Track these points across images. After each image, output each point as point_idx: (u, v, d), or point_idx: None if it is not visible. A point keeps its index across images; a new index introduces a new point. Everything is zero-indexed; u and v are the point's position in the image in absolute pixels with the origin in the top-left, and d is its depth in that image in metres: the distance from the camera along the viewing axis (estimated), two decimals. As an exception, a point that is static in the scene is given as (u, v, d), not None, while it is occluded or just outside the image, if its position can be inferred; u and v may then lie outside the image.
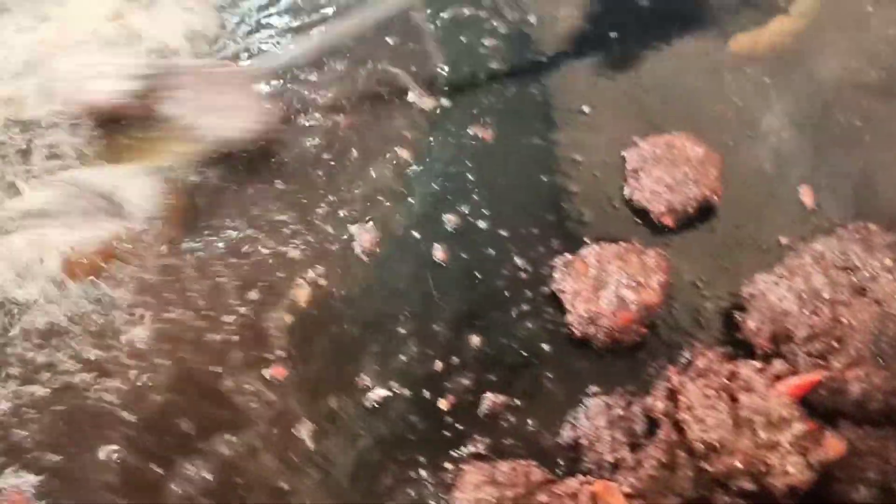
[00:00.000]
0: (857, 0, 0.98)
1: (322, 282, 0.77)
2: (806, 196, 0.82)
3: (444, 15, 0.95)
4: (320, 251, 0.79)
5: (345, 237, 0.80)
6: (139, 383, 0.71)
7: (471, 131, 0.87)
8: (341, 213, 0.81)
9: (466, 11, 0.95)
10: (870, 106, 0.89)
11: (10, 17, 0.95)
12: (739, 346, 0.71)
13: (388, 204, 0.82)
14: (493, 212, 0.81)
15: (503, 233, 0.80)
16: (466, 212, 0.81)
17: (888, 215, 0.79)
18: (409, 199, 0.82)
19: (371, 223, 0.80)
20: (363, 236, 0.79)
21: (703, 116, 0.88)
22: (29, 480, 0.67)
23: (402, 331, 0.74)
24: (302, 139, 0.87)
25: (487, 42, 0.93)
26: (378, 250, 0.79)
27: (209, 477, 0.67)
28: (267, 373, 0.72)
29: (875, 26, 0.96)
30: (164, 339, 0.73)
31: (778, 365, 0.63)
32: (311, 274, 0.77)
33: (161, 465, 0.68)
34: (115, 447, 0.68)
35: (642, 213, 0.81)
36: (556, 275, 0.76)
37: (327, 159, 0.85)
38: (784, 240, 0.79)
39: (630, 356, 0.72)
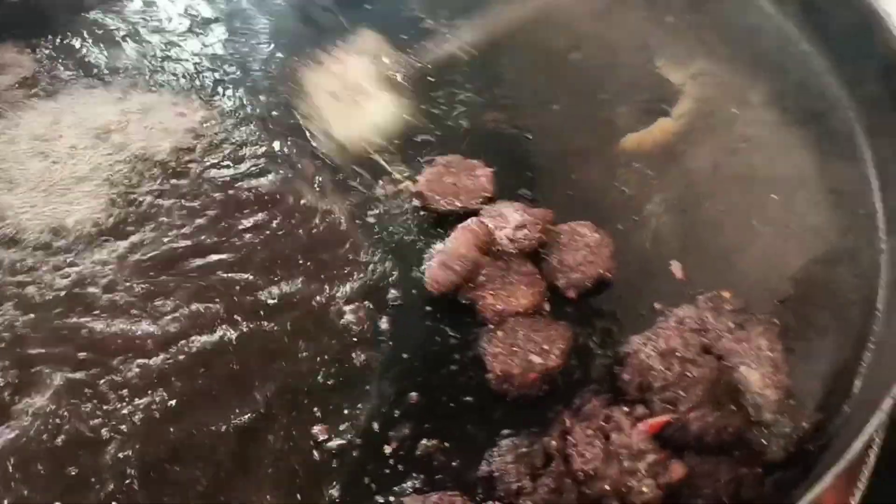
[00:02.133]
0: (725, 105, 1.18)
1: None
2: (677, 270, 1.00)
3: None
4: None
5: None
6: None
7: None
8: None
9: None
10: (731, 193, 1.08)
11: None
12: (618, 393, 0.88)
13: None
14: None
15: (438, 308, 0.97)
16: (408, 288, 0.99)
17: (739, 285, 0.97)
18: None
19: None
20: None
21: (600, 206, 1.06)
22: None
23: (351, 390, 0.90)
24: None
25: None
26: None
27: None
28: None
29: (738, 127, 1.16)
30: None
31: (639, 409, 0.82)
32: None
33: None
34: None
35: (553, 287, 0.98)
36: (481, 341, 0.93)
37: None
38: (658, 306, 0.96)
39: (535, 404, 0.88)
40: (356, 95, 1.05)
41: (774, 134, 1.16)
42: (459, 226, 0.97)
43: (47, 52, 1.21)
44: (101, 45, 1.25)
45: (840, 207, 1.07)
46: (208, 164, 1.09)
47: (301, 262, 1.01)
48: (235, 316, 0.95)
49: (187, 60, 1.23)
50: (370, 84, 1.06)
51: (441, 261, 0.94)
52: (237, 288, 0.97)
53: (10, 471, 0.82)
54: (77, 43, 1.24)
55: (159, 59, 1.23)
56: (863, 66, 1.15)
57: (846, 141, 1.14)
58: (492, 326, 0.94)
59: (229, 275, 0.98)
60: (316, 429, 0.87)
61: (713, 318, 0.91)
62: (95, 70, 1.21)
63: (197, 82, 1.20)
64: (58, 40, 1.24)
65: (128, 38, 1.26)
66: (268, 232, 1.03)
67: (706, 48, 1.26)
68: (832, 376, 0.92)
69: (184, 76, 1.21)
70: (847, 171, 1.11)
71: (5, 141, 1.09)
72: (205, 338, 0.93)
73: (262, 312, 0.96)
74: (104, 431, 0.85)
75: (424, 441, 0.87)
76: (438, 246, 0.99)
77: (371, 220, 1.05)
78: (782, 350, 0.88)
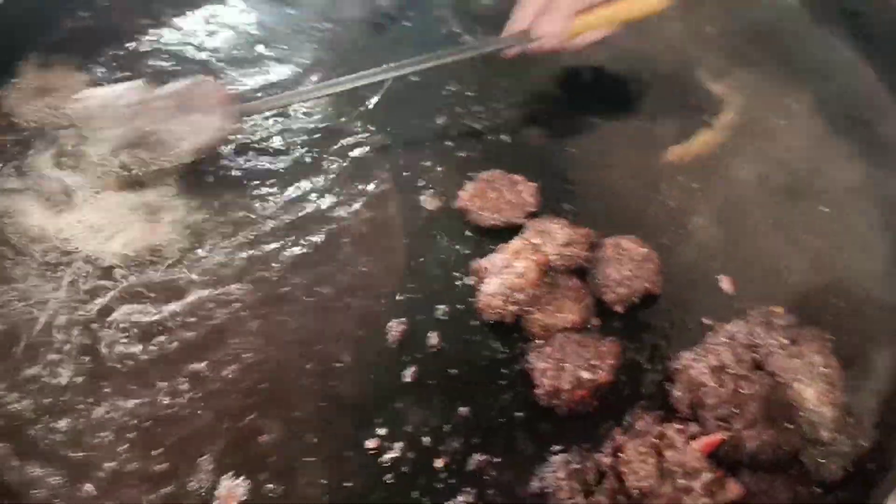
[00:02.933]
0: (768, 115, 1.17)
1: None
2: (725, 284, 1.00)
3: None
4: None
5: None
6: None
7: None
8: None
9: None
10: (778, 205, 1.08)
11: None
12: (669, 410, 0.88)
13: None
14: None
15: (484, 322, 0.97)
16: (455, 303, 1.00)
17: (790, 300, 0.97)
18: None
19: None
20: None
21: (645, 219, 1.06)
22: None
23: (401, 404, 0.91)
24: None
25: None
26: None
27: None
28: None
29: (782, 137, 1.15)
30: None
31: (693, 427, 0.82)
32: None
33: None
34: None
35: (600, 302, 0.98)
36: (529, 356, 0.93)
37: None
38: (707, 321, 0.96)
39: (585, 420, 0.88)
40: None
41: (820, 144, 1.15)
42: (513, 249, 0.97)
43: (101, 74, 1.24)
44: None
45: (892, 218, 1.06)
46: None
47: (348, 276, 1.02)
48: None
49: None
50: None
51: (499, 291, 0.94)
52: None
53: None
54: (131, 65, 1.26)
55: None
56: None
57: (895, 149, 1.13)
58: (539, 341, 0.94)
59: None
60: (368, 442, 0.88)
61: (764, 334, 0.90)
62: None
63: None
64: (113, 63, 1.26)
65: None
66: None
67: (747, 58, 1.26)
68: (891, 392, 0.90)
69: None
70: (897, 181, 1.09)
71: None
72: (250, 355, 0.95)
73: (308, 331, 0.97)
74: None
75: (475, 455, 0.87)
76: (485, 262, 0.99)
77: (416, 234, 1.06)
78: (837, 366, 0.87)
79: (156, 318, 0.97)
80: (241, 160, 1.13)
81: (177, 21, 1.31)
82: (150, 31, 1.29)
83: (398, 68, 1.08)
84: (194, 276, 1.01)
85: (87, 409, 0.90)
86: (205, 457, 0.87)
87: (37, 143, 1.12)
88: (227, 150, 1.13)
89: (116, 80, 1.19)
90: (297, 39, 1.30)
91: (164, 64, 1.25)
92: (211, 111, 1.06)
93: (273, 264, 1.02)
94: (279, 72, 1.25)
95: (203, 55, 1.27)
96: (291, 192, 1.10)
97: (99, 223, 1.04)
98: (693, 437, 0.81)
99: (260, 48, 1.29)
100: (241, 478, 0.86)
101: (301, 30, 1.32)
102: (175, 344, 0.95)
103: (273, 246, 1.04)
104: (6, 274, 1.00)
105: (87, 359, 0.94)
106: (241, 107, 1.10)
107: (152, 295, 0.99)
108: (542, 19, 1.07)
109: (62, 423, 0.89)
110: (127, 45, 1.27)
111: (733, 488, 0.77)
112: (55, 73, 1.21)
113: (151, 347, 0.95)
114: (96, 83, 1.19)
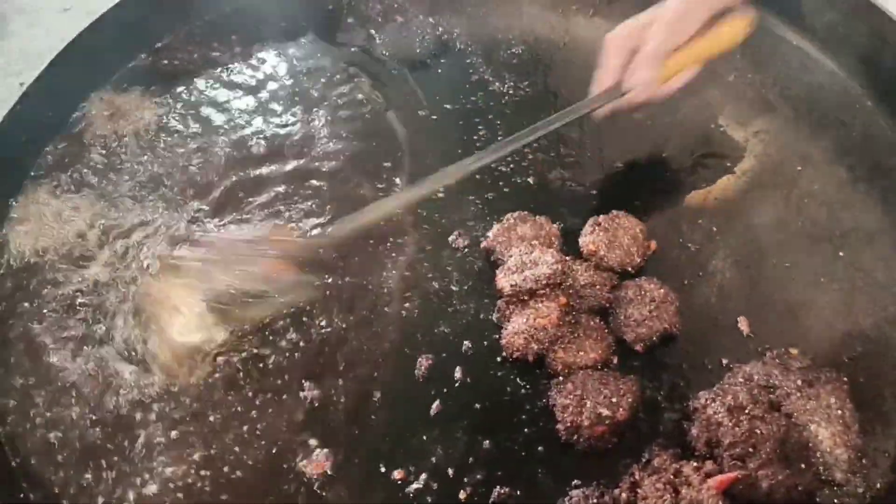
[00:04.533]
0: (789, 162, 1.21)
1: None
2: (743, 325, 1.03)
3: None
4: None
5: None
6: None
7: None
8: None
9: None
10: (797, 250, 1.10)
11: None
12: (686, 448, 0.90)
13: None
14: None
15: (508, 359, 1.01)
16: (480, 339, 1.04)
17: (807, 343, 0.99)
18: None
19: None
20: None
21: (665, 261, 1.09)
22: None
23: (426, 437, 0.95)
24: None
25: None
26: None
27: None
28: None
29: (802, 183, 1.18)
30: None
31: (709, 465, 0.84)
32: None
33: None
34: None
35: (620, 341, 1.02)
36: (551, 392, 0.97)
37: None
38: (725, 361, 0.99)
39: (604, 457, 0.91)
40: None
41: (839, 190, 1.18)
42: (539, 298, 1.00)
43: (170, 105, 1.31)
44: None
45: (909, 264, 1.08)
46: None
47: (375, 313, 1.07)
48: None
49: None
50: None
51: (523, 331, 0.98)
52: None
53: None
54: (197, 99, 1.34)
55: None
56: (928, 121, 1.16)
57: (914, 197, 1.15)
58: (561, 378, 0.98)
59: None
60: (395, 474, 0.92)
61: (781, 375, 0.93)
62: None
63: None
64: (184, 96, 1.34)
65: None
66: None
67: (768, 106, 1.30)
68: (905, 436, 0.92)
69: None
70: (915, 227, 1.12)
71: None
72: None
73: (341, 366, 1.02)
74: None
75: (497, 488, 0.91)
76: (509, 302, 1.03)
77: (445, 271, 1.11)
78: (852, 408, 0.89)
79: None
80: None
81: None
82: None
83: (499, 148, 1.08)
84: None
85: None
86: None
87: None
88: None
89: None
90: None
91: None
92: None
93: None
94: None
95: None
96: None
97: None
98: (709, 475, 0.83)
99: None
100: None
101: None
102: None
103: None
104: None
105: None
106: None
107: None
108: (632, 69, 1.04)
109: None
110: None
111: (748, 527, 0.79)
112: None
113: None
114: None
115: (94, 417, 0.97)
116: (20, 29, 1.69)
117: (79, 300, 1.07)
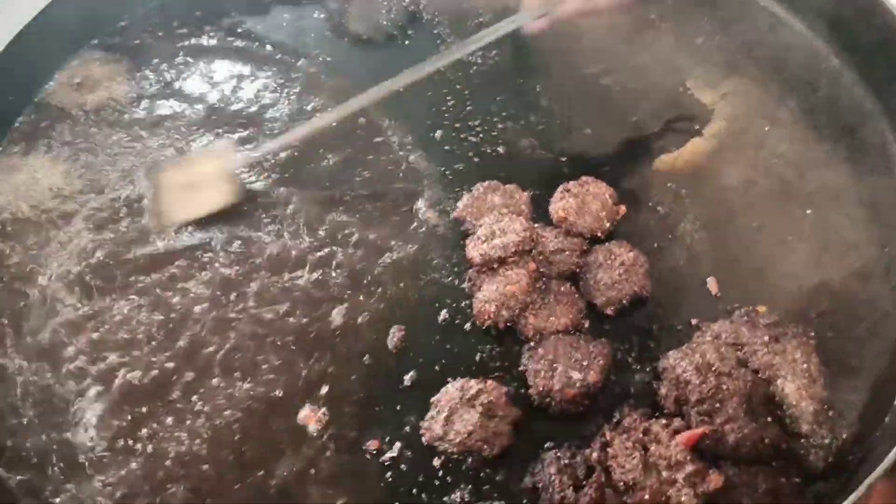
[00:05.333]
0: (757, 123, 1.20)
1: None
2: (712, 285, 1.03)
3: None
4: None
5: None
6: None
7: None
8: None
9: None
10: (765, 210, 1.11)
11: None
12: (655, 408, 0.91)
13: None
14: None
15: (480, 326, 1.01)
16: (453, 309, 1.05)
17: (775, 300, 1.00)
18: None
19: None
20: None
21: (635, 225, 1.10)
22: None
23: (400, 407, 0.95)
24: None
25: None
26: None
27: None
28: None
29: (770, 144, 1.19)
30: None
31: (676, 422, 0.85)
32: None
33: None
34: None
35: (591, 306, 1.02)
36: (523, 358, 0.97)
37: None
38: (694, 321, 1.00)
39: (576, 418, 0.92)
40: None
41: (807, 150, 1.19)
42: (508, 265, 1.01)
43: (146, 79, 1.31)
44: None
45: (875, 221, 1.09)
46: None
47: (349, 287, 1.07)
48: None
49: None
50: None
51: (493, 299, 0.98)
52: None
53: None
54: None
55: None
56: (894, 78, 1.17)
57: (879, 154, 1.16)
58: (532, 344, 0.98)
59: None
60: (369, 443, 0.93)
61: (749, 333, 0.94)
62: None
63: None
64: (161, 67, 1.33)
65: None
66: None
67: (735, 68, 1.29)
68: (871, 388, 0.93)
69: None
70: (881, 185, 1.13)
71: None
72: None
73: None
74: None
75: (471, 455, 0.91)
76: (479, 270, 1.03)
77: (415, 244, 1.11)
78: (818, 362, 0.91)
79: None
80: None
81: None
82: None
83: (419, 68, 1.12)
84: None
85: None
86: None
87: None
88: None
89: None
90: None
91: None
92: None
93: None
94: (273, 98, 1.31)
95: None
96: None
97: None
98: (677, 432, 0.84)
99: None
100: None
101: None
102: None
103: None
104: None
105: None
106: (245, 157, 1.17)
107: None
108: None
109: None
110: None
111: (715, 479, 0.81)
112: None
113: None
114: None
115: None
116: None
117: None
